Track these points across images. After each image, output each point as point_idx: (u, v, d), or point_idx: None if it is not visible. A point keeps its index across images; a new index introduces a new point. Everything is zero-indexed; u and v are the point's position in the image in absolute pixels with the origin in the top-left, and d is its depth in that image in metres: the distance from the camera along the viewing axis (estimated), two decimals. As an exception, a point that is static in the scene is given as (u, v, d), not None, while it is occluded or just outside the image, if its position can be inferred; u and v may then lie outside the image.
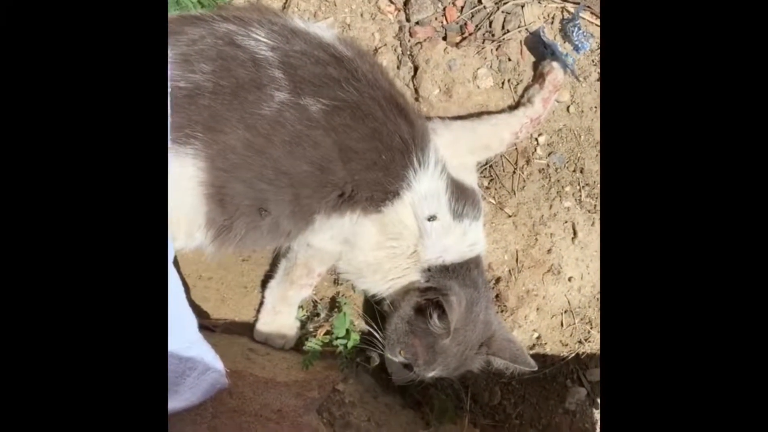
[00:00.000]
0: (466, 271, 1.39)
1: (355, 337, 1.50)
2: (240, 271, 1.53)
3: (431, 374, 1.38)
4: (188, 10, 1.27)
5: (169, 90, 1.11)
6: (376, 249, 1.36)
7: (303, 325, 1.52)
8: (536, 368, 1.38)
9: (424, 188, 1.31)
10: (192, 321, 1.22)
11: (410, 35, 1.51)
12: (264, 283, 1.52)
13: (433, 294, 1.34)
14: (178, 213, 1.20)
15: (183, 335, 1.22)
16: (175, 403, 1.17)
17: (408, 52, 1.51)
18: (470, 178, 1.45)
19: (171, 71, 1.11)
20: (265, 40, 1.17)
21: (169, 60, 1.11)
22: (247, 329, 1.50)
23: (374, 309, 1.51)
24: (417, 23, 1.51)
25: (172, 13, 1.13)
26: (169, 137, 1.12)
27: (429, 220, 1.31)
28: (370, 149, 1.23)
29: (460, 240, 1.38)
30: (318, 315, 1.52)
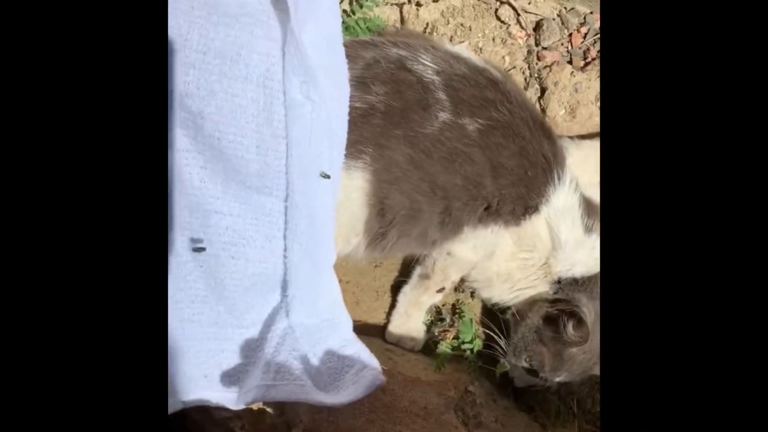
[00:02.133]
0: (593, 284, 1.47)
1: (479, 342, 1.58)
2: (373, 276, 1.63)
3: (558, 379, 1.46)
4: (357, 35, 1.38)
5: (347, 110, 1.22)
6: (509, 260, 1.45)
7: (428, 329, 1.62)
8: None
9: (561, 203, 1.39)
10: (348, 321, 1.32)
11: (538, 59, 1.60)
12: (394, 288, 1.62)
13: (563, 305, 1.42)
14: (340, 220, 1.29)
15: (340, 334, 1.32)
16: (339, 397, 1.26)
17: (536, 75, 1.60)
18: (596, 195, 1.53)
19: (351, 92, 1.21)
20: (431, 64, 1.27)
21: (348, 82, 1.22)
22: (379, 331, 1.60)
23: (492, 316, 1.60)
24: (545, 48, 1.61)
25: (344, 37, 1.23)
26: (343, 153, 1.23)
27: None
28: (518, 166, 1.32)
29: (590, 254, 1.45)
30: (443, 320, 1.62)
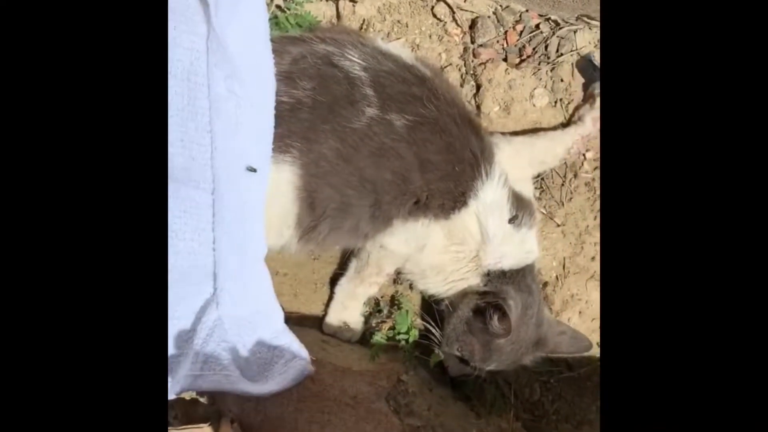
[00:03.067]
0: (521, 276, 1.51)
1: (414, 333, 1.62)
2: (311, 269, 1.66)
3: (488, 368, 1.50)
4: (287, 30, 1.39)
5: (274, 104, 1.24)
6: (441, 252, 1.49)
7: (366, 320, 1.65)
8: (592, 346, 1.53)
9: (489, 198, 1.43)
10: (279, 313, 1.35)
11: (474, 56, 1.64)
12: (333, 281, 1.65)
13: (491, 298, 1.46)
14: (270, 213, 1.31)
15: (271, 325, 1.35)
16: (266, 387, 1.29)
17: (471, 72, 1.64)
18: (527, 190, 1.58)
19: (277, 87, 1.24)
20: (358, 60, 1.30)
21: (275, 77, 1.24)
22: (316, 322, 1.62)
23: (430, 307, 1.64)
24: (480, 45, 1.64)
25: (273, 33, 1.25)
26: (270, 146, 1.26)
27: (510, 221, 1.43)
28: (445, 161, 1.35)
29: (518, 247, 1.50)
30: (380, 311, 1.65)
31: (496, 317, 1.41)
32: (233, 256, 1.26)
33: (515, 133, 1.63)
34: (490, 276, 1.49)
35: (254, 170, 1.21)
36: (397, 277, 1.68)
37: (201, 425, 1.31)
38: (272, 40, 1.24)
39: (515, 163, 1.54)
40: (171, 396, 1.27)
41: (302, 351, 1.33)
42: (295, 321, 1.61)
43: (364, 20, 1.58)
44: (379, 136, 1.30)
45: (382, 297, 1.69)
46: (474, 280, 1.52)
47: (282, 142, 1.26)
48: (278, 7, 1.45)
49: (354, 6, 1.54)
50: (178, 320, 1.28)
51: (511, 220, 1.44)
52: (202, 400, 1.37)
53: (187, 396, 1.34)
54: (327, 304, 1.64)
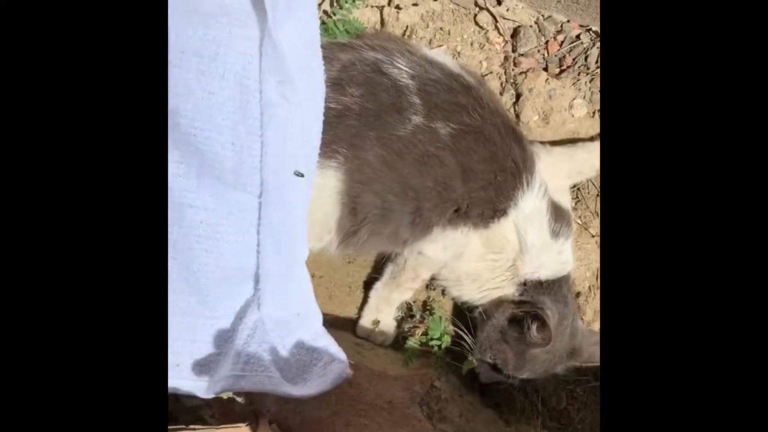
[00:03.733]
0: (557, 287, 1.52)
1: (447, 339, 1.63)
2: (347, 272, 1.67)
3: (521, 376, 1.51)
4: (335, 36, 1.40)
5: (323, 110, 1.25)
6: (478, 260, 1.49)
7: (398, 324, 1.66)
8: None
9: (529, 208, 1.43)
10: (318, 315, 1.36)
11: (515, 65, 1.64)
12: (367, 284, 1.66)
13: (529, 307, 1.47)
14: (312, 218, 1.33)
15: (310, 328, 1.36)
16: (306, 389, 1.30)
17: (512, 80, 1.64)
18: (565, 200, 1.58)
19: (326, 93, 1.25)
20: (406, 69, 1.31)
21: (324, 83, 1.25)
22: (350, 325, 1.64)
23: (462, 314, 1.65)
24: (522, 54, 1.64)
25: (322, 38, 1.26)
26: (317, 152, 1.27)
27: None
28: (488, 170, 1.36)
29: (555, 257, 1.50)
30: (413, 316, 1.66)
31: (534, 327, 1.42)
32: (276, 259, 1.28)
33: (554, 143, 1.63)
34: (526, 285, 1.50)
35: (302, 175, 1.22)
36: (430, 282, 1.69)
37: (239, 425, 1.32)
38: (322, 47, 1.25)
39: (554, 174, 1.54)
40: (210, 395, 1.29)
41: (340, 354, 1.34)
42: (329, 323, 1.62)
43: (407, 27, 1.58)
44: (423, 144, 1.31)
45: (414, 302, 1.70)
46: (509, 289, 1.53)
47: (328, 147, 1.27)
48: (325, 12, 1.46)
49: (398, 12, 1.55)
50: (218, 320, 1.30)
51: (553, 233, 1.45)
52: (240, 399, 1.39)
53: (224, 396, 1.36)
54: (361, 308, 1.65)
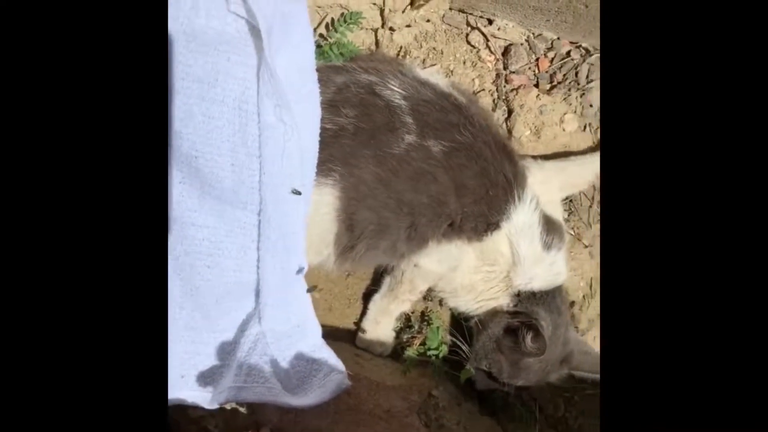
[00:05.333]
0: (551, 298, 1.56)
1: (444, 348, 1.67)
2: (345, 285, 1.72)
3: (516, 384, 1.55)
4: (330, 60, 1.46)
5: (319, 131, 1.30)
6: (473, 273, 1.54)
7: (397, 335, 1.70)
8: None
9: (521, 221, 1.48)
10: (317, 328, 1.41)
11: (506, 82, 1.69)
12: (365, 296, 1.71)
13: (523, 318, 1.51)
14: (311, 233, 1.38)
15: (310, 340, 1.41)
16: (306, 399, 1.34)
17: (503, 97, 1.69)
18: (557, 212, 1.62)
19: (322, 114, 1.30)
20: (399, 90, 1.36)
21: (320, 105, 1.30)
22: (349, 336, 1.68)
23: (459, 323, 1.69)
24: (513, 72, 1.69)
25: (318, 61, 1.31)
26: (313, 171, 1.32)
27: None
28: (480, 185, 1.41)
29: (548, 269, 1.54)
30: (411, 327, 1.70)
31: (529, 337, 1.46)
32: (276, 274, 1.33)
33: (545, 157, 1.68)
34: (520, 296, 1.54)
35: (299, 193, 1.28)
36: (428, 293, 1.73)
37: (241, 435, 1.37)
38: (317, 69, 1.31)
39: (546, 187, 1.58)
40: (214, 406, 1.34)
41: (339, 365, 1.38)
42: (329, 335, 1.67)
43: (401, 47, 1.64)
44: (417, 161, 1.36)
45: (412, 313, 1.74)
46: (504, 300, 1.57)
47: (325, 166, 1.32)
48: (321, 36, 1.51)
49: (392, 34, 1.60)
50: (221, 333, 1.35)
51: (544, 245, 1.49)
52: (242, 410, 1.43)
53: (228, 406, 1.41)
54: (360, 319, 1.70)
